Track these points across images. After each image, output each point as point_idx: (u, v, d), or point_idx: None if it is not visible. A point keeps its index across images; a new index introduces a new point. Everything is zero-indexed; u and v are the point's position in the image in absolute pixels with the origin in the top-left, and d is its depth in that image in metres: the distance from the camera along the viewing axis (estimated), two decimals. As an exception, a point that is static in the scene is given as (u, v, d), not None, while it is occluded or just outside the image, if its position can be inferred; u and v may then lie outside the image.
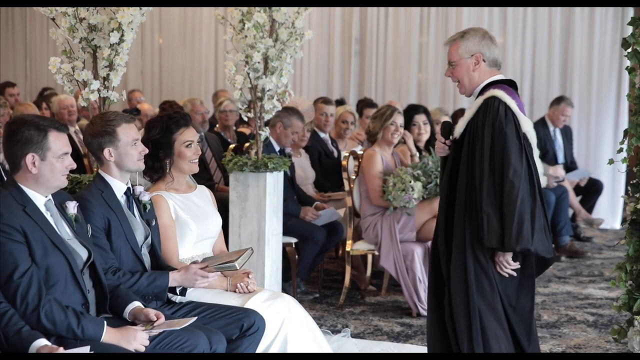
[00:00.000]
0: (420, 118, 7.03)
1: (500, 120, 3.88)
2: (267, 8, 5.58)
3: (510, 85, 4.09)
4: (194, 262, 4.11)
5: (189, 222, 4.37)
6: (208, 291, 4.32)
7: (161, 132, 4.41)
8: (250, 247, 4.12)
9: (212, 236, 4.53)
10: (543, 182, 4.02)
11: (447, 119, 8.02)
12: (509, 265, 3.94)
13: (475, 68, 4.05)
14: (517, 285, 4.03)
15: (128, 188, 4.08)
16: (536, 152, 4.00)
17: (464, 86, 4.12)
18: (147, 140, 4.35)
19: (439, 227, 4.16)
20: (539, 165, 4.01)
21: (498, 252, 3.92)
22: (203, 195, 4.57)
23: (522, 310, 4.04)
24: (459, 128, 4.04)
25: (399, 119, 6.61)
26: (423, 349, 5.48)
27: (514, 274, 3.97)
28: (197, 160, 4.49)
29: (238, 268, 3.99)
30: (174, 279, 3.95)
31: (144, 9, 4.94)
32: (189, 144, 4.43)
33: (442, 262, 4.13)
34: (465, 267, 3.97)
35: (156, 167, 4.44)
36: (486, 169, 3.87)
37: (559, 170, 8.94)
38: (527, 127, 3.95)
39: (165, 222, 4.30)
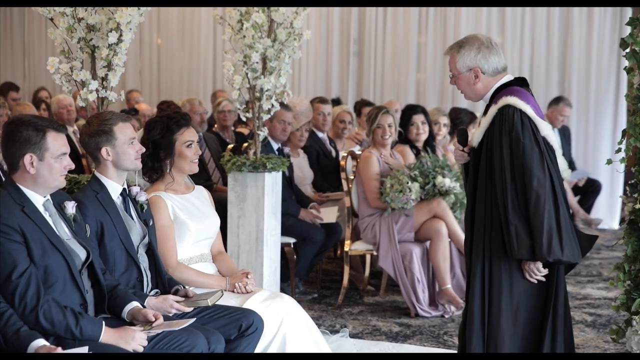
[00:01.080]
0: (419, 118, 7.02)
1: (516, 131, 3.81)
2: (265, 8, 5.58)
3: (521, 83, 4.02)
4: (177, 291, 4.07)
5: (187, 222, 4.37)
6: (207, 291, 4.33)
7: (162, 132, 4.40)
8: (221, 290, 4.11)
9: (211, 236, 4.53)
10: (565, 176, 3.99)
11: (445, 119, 8.01)
12: (539, 272, 3.88)
13: (475, 82, 3.98)
14: (541, 295, 3.97)
15: (124, 189, 4.08)
16: (559, 152, 3.95)
17: (469, 96, 4.08)
18: (147, 141, 4.35)
19: (465, 237, 4.13)
20: (562, 162, 3.97)
21: (527, 261, 3.87)
22: (201, 196, 4.57)
23: (536, 321, 3.98)
24: (477, 137, 3.98)
25: (385, 119, 6.57)
26: (421, 349, 5.49)
27: (543, 279, 3.91)
28: (197, 160, 4.49)
29: (210, 305, 3.95)
30: (148, 304, 3.86)
31: (143, 9, 4.94)
32: (189, 144, 4.43)
33: (465, 270, 4.11)
34: (483, 278, 3.94)
35: (156, 168, 4.44)
36: (508, 180, 3.82)
37: None
38: (546, 130, 3.87)
39: (163, 223, 4.30)
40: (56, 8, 4.87)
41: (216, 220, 4.56)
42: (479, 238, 3.96)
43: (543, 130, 3.87)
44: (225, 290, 4.36)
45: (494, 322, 3.93)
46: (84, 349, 3.28)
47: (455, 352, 4.20)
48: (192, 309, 3.98)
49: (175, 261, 4.31)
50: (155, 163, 4.43)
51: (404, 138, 6.98)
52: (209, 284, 4.36)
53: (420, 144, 7.06)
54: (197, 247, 4.45)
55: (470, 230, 4.07)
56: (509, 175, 3.82)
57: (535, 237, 3.78)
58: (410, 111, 7.12)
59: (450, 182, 6.43)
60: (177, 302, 3.91)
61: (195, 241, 4.42)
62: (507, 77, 4.02)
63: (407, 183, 6.31)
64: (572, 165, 9.63)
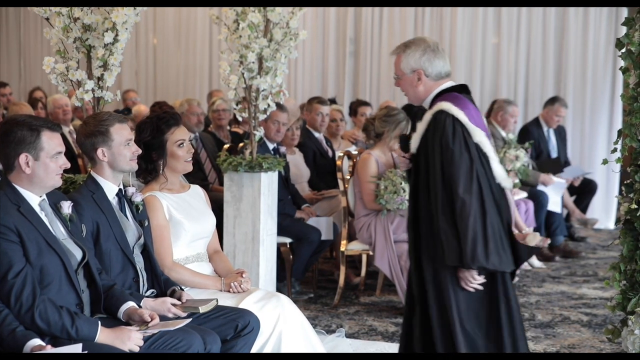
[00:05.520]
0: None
1: (446, 137, 3.78)
2: (261, 8, 5.58)
3: (462, 89, 4.00)
4: (173, 292, 4.07)
5: (182, 222, 4.37)
6: (202, 291, 4.33)
7: (152, 133, 4.40)
8: (216, 299, 4.08)
9: (206, 236, 4.52)
10: (506, 184, 3.93)
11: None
12: (474, 280, 3.82)
13: (417, 84, 3.96)
14: (484, 302, 3.90)
15: (120, 189, 4.07)
16: (494, 159, 3.89)
17: (411, 99, 4.07)
18: (138, 143, 4.33)
19: (409, 240, 4.07)
20: (499, 169, 3.90)
21: (461, 268, 3.81)
22: (196, 195, 4.57)
23: (484, 328, 3.91)
24: (414, 143, 3.95)
25: None
26: (417, 349, 5.48)
27: (480, 288, 3.85)
28: (191, 158, 4.48)
29: (201, 312, 3.94)
30: (145, 305, 3.85)
31: (139, 8, 4.94)
32: (181, 143, 4.42)
33: (412, 279, 4.04)
34: (439, 283, 3.88)
35: (150, 169, 4.43)
36: (439, 186, 3.78)
37: (550, 181, 8.88)
38: (479, 136, 3.83)
39: (159, 223, 4.30)
40: (52, 8, 4.86)
41: (212, 220, 4.55)
42: (427, 243, 3.90)
43: (476, 137, 3.82)
44: (221, 291, 4.37)
45: (452, 326, 3.86)
46: (78, 347, 3.28)
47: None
48: None
49: (170, 261, 4.31)
50: (149, 164, 4.42)
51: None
52: (204, 284, 4.36)
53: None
54: (193, 247, 4.44)
55: (412, 235, 4.01)
56: (439, 180, 3.79)
57: (461, 243, 3.73)
58: (408, 110, 7.13)
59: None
60: (174, 305, 3.90)
61: (191, 240, 4.42)
62: (449, 83, 3.99)
63: (401, 184, 6.31)
64: (567, 165, 9.64)
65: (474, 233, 3.72)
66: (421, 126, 3.94)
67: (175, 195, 4.45)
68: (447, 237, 3.76)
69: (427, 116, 3.91)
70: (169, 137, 4.41)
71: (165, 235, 4.31)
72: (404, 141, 4.08)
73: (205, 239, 4.53)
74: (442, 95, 3.94)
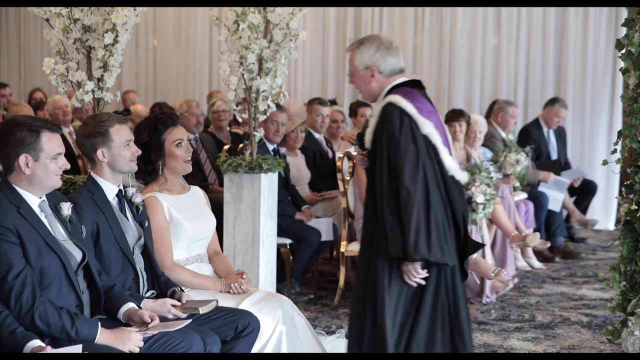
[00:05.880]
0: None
1: (393, 128, 3.79)
2: (261, 9, 5.58)
3: (413, 84, 4.01)
4: (174, 293, 4.06)
5: (183, 223, 4.37)
6: (202, 292, 4.33)
7: (150, 134, 4.40)
8: (216, 300, 4.06)
9: (206, 237, 4.52)
10: (460, 177, 3.92)
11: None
12: (417, 274, 3.81)
13: (370, 80, 3.97)
14: (418, 298, 3.88)
15: (120, 190, 4.07)
16: (444, 151, 3.88)
17: (364, 95, 4.08)
18: (137, 144, 4.33)
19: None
20: (450, 161, 3.89)
21: (405, 261, 3.80)
22: (196, 196, 4.57)
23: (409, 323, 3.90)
24: (367, 138, 3.95)
25: None
26: (417, 350, 5.48)
27: (423, 282, 3.84)
28: (189, 159, 4.48)
29: (201, 313, 3.93)
30: (145, 306, 3.85)
31: (138, 9, 4.93)
32: (179, 143, 4.43)
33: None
34: (367, 276, 3.88)
35: (149, 170, 4.44)
36: (385, 177, 3.78)
37: (549, 177, 8.88)
38: (427, 128, 3.82)
39: (159, 223, 4.30)
40: (52, 9, 4.86)
41: (212, 221, 4.55)
42: (366, 240, 3.91)
43: (424, 129, 3.82)
44: (221, 292, 4.37)
45: (379, 324, 3.84)
46: (78, 347, 3.28)
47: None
48: None
49: (170, 262, 4.31)
50: (148, 166, 4.42)
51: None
52: (204, 285, 4.36)
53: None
54: (193, 248, 4.44)
55: (363, 233, 4.00)
56: (386, 172, 3.79)
57: (404, 234, 3.72)
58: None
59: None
60: (174, 306, 3.90)
61: (191, 241, 4.42)
62: (401, 79, 4.01)
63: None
64: (567, 166, 9.65)
65: (417, 224, 3.71)
66: (372, 120, 3.95)
67: (175, 197, 4.45)
68: (391, 228, 3.74)
69: (377, 110, 3.92)
70: (167, 137, 4.41)
71: (166, 236, 4.31)
72: (360, 138, 4.08)
73: (205, 240, 4.53)
74: (394, 90, 3.95)
